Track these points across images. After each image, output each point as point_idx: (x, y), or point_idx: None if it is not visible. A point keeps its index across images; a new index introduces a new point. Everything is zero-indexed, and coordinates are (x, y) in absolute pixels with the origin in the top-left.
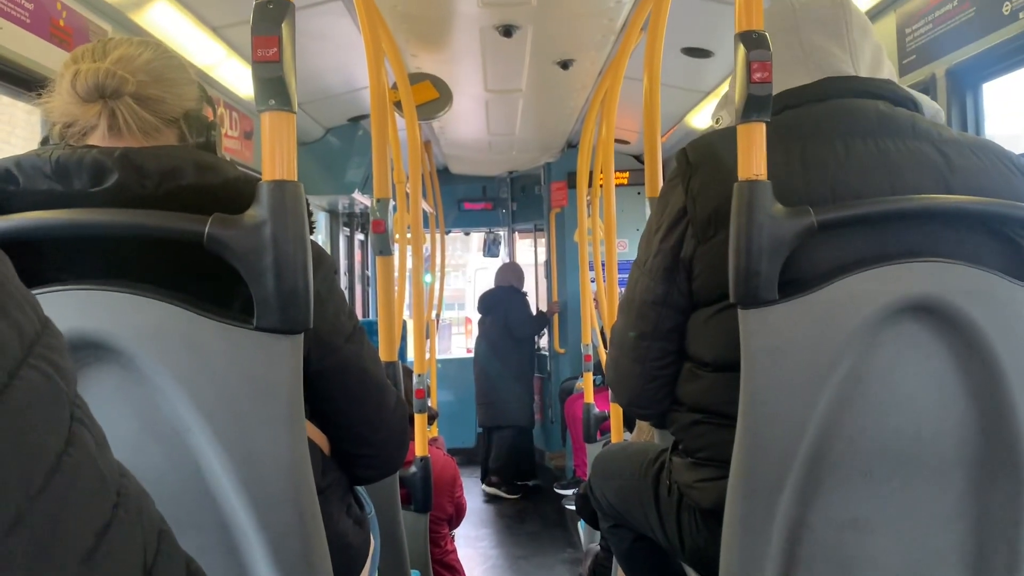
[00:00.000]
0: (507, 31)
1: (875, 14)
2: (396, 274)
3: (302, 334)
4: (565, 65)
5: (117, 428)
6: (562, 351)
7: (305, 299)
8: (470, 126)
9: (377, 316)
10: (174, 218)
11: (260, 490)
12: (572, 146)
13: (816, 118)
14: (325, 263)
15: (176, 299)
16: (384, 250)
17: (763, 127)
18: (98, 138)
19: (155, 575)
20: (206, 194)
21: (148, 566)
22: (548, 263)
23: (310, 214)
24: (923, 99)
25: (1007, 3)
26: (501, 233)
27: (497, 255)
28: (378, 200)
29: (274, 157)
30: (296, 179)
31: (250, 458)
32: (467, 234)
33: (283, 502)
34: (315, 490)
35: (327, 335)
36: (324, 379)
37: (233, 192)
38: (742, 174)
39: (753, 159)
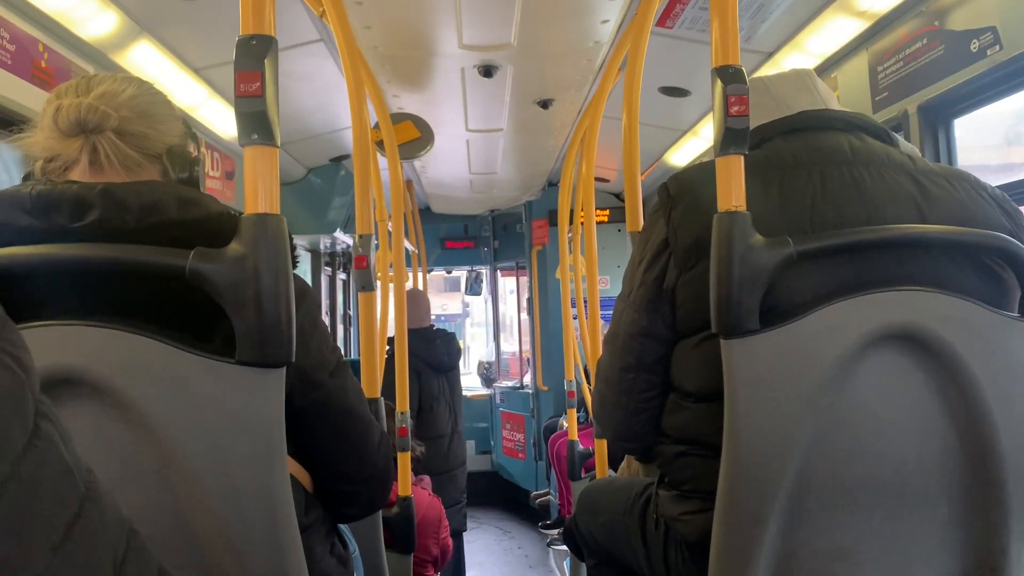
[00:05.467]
0: (487, 71)
1: (847, 52)
2: (379, 311)
3: (284, 368)
4: (545, 105)
5: (95, 466)
6: (545, 388)
7: (288, 333)
8: (452, 165)
9: (359, 354)
10: (155, 252)
11: (241, 528)
12: (553, 184)
13: (793, 150)
14: (308, 297)
15: (155, 334)
16: (366, 286)
17: (741, 159)
18: (79, 173)
19: (125, 572)
20: (188, 229)
21: (117, 562)
22: (531, 301)
23: (293, 248)
24: (898, 139)
25: (975, 41)
26: (483, 271)
27: (479, 293)
28: (360, 236)
29: (257, 191)
30: (279, 212)
31: (231, 495)
32: (449, 272)
33: (265, 541)
34: (298, 528)
35: (311, 370)
36: (307, 415)
37: (216, 227)
38: (721, 206)
39: (732, 191)
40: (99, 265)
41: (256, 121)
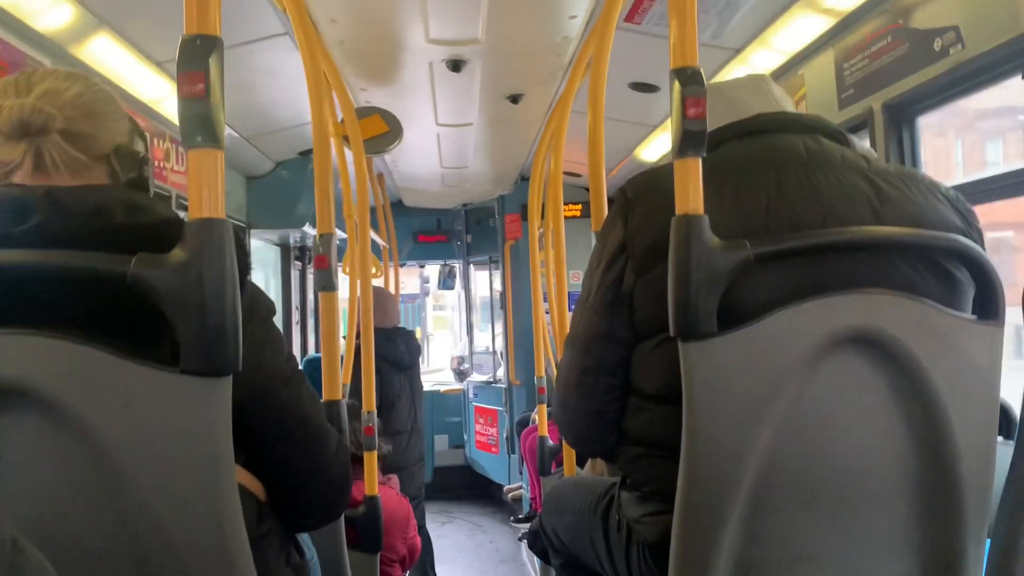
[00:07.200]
0: (456, 66)
1: (813, 50)
2: (347, 307)
3: (231, 377)
4: (515, 99)
5: (35, 478)
6: (518, 383)
7: (233, 340)
8: (423, 159)
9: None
10: (96, 258)
11: (188, 542)
12: (525, 179)
13: (748, 153)
14: (261, 305)
15: (98, 343)
16: (327, 286)
17: (699, 162)
18: (22, 177)
19: None
20: (134, 234)
21: None
22: (503, 295)
23: (247, 255)
24: (854, 140)
25: (938, 39)
26: (456, 266)
27: (452, 287)
28: (321, 235)
29: (201, 195)
30: (224, 217)
31: (177, 508)
32: (422, 267)
33: (213, 554)
34: (247, 540)
35: (264, 379)
36: (260, 425)
37: (162, 233)
38: (679, 209)
39: (690, 194)
40: (38, 271)
41: (200, 123)
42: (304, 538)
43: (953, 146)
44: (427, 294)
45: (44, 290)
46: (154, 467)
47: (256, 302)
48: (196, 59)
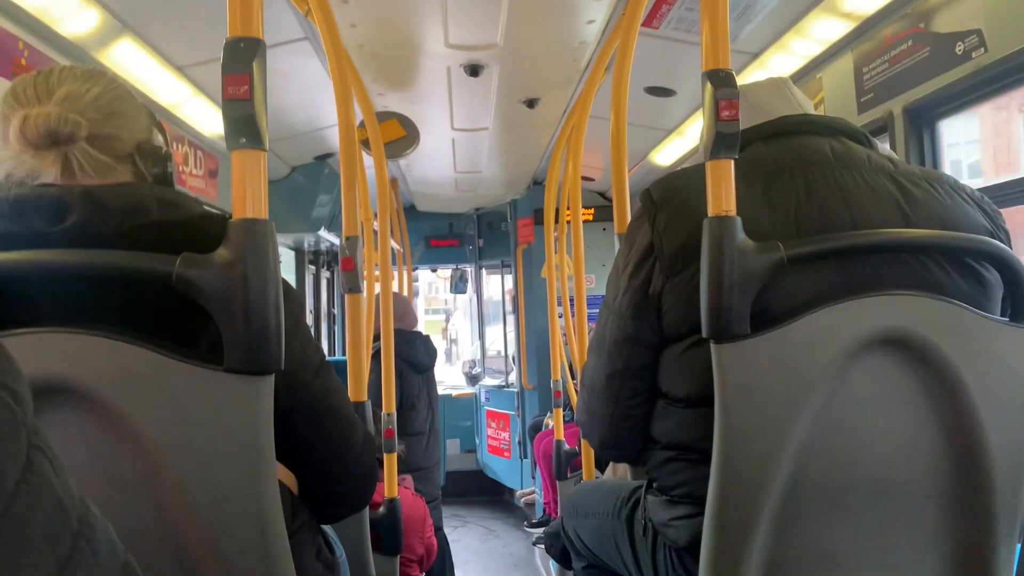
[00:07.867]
0: (474, 71)
1: (832, 54)
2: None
3: (272, 375)
4: (531, 104)
5: (81, 474)
6: (530, 387)
7: (276, 340)
8: (437, 164)
9: (344, 355)
10: (141, 258)
11: (229, 537)
12: (538, 183)
13: (775, 155)
14: (291, 298)
15: (142, 340)
16: (354, 288)
17: (731, 164)
18: (50, 180)
19: None
20: (170, 231)
21: None
22: (516, 299)
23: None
24: (876, 143)
25: (960, 43)
26: (468, 270)
27: (464, 292)
28: (347, 238)
29: (244, 196)
30: (267, 217)
31: (219, 504)
32: (434, 271)
33: (253, 549)
34: (286, 535)
35: (295, 370)
36: (292, 415)
37: (198, 229)
38: (712, 210)
39: (723, 195)
40: (83, 271)
41: (244, 125)
42: (333, 536)
43: (1015, 122)
44: (416, 294)
45: (85, 288)
46: (197, 464)
47: (286, 295)
48: (240, 62)
